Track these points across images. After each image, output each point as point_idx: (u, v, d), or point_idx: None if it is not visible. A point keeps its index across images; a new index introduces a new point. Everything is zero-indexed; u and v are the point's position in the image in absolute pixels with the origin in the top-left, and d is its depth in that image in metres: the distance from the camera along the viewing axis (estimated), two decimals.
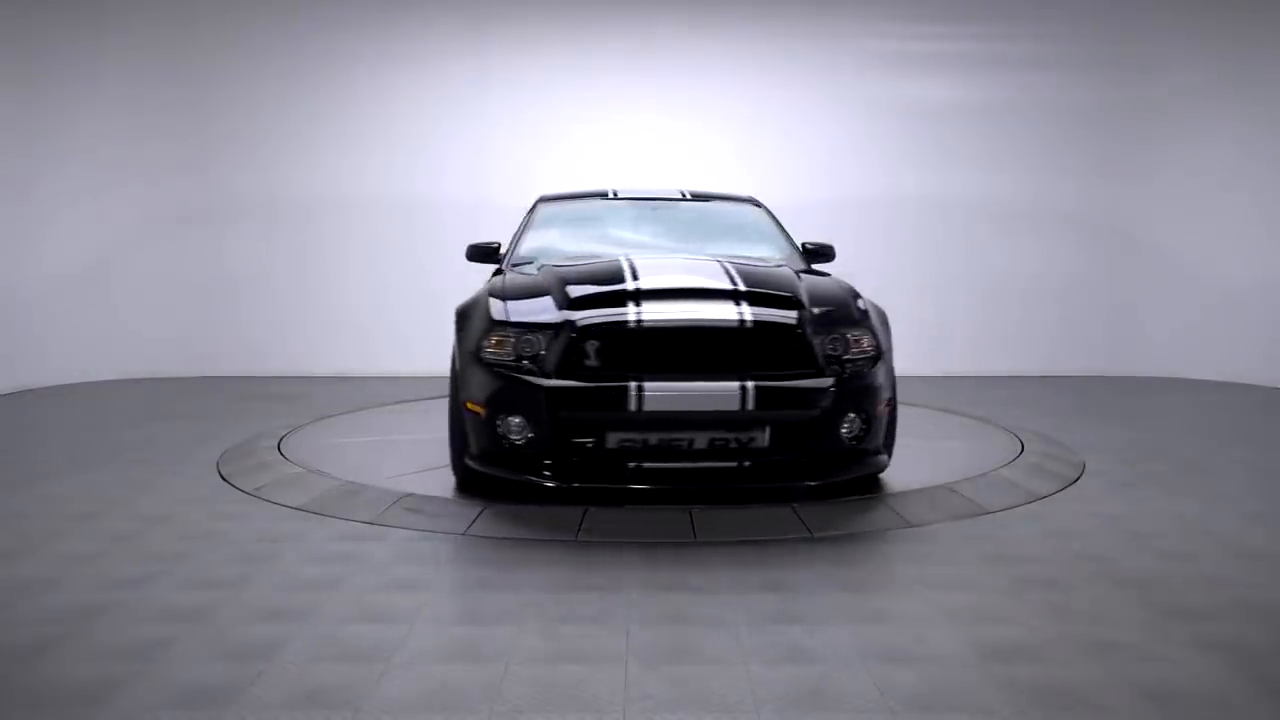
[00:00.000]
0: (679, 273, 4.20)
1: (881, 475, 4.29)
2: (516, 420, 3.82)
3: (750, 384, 3.66)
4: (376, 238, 8.47)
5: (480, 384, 3.92)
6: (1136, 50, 8.46)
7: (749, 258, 4.74)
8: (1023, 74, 8.52)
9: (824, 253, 5.22)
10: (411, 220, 8.45)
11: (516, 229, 5.49)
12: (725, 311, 3.79)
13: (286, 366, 8.34)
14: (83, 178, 8.13)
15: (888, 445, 4.20)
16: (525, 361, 3.82)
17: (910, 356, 8.29)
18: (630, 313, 3.79)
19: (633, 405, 3.64)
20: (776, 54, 8.51)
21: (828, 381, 3.78)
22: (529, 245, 5.14)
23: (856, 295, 4.26)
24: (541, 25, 8.45)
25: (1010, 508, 4.03)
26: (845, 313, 4.04)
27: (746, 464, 3.78)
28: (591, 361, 3.76)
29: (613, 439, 3.75)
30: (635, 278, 4.07)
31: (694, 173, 7.91)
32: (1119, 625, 2.75)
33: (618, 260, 4.36)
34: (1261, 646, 2.61)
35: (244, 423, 5.92)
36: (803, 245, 5.26)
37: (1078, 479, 4.57)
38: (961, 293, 8.62)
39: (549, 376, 3.75)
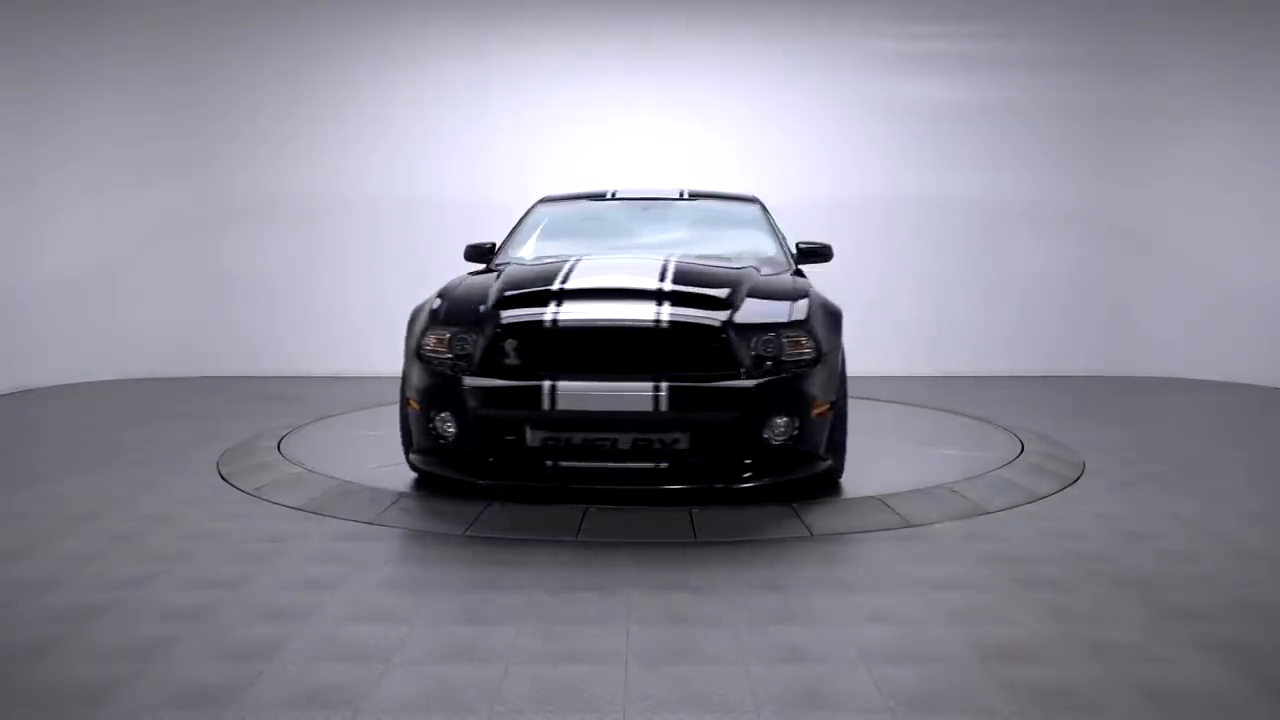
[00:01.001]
0: (615, 273, 4.25)
1: (845, 477, 4.27)
2: (444, 416, 3.91)
3: (664, 385, 3.65)
4: (376, 238, 8.47)
5: (418, 381, 4.04)
6: (1136, 50, 8.46)
7: (717, 257, 4.73)
8: (1022, 74, 8.52)
9: (820, 252, 5.17)
10: (411, 220, 8.45)
11: (509, 230, 5.57)
12: (643, 312, 3.79)
13: (286, 366, 8.34)
14: (82, 178, 8.13)
15: (834, 449, 4.08)
16: (458, 360, 3.91)
17: (910, 356, 8.34)
18: (548, 313, 3.84)
19: (546, 404, 3.69)
20: (775, 54, 8.51)
21: (748, 383, 3.71)
22: (516, 246, 5.26)
23: (802, 296, 4.16)
24: (541, 25, 8.45)
25: (1010, 508, 4.03)
26: (783, 314, 3.96)
27: (664, 465, 3.74)
28: (511, 360, 3.84)
29: (536, 437, 3.78)
30: (567, 278, 4.10)
31: (695, 172, 7.91)
32: (1119, 625, 2.75)
33: (563, 260, 4.42)
34: (1261, 646, 2.61)
35: (244, 423, 5.92)
36: (797, 245, 5.20)
37: (1078, 479, 4.57)
38: (961, 293, 8.62)
39: (474, 374, 3.83)
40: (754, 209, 5.53)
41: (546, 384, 3.69)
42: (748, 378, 3.73)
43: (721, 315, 3.82)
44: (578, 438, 3.75)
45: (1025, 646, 2.60)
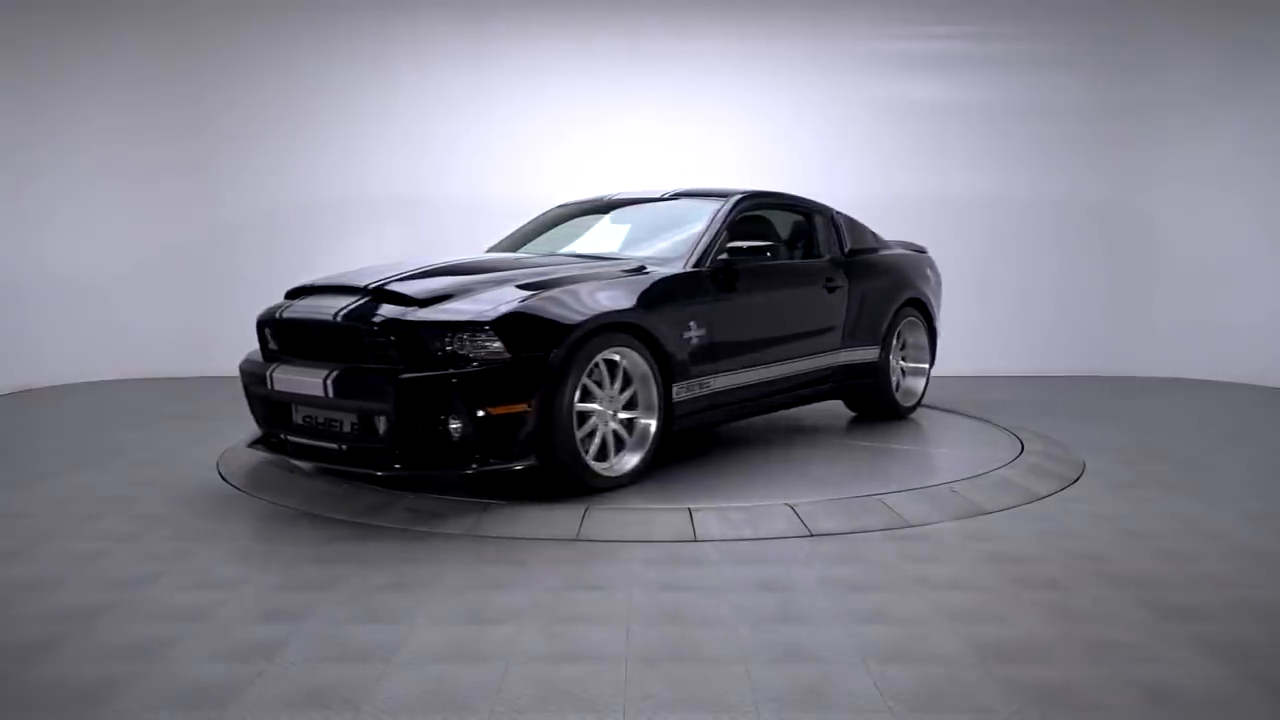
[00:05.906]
0: (372, 275, 4.44)
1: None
2: (245, 393, 4.49)
3: (333, 374, 3.92)
4: (377, 238, 8.48)
5: None
6: (1136, 50, 8.46)
7: (603, 255, 4.95)
8: (1023, 74, 8.52)
9: (757, 255, 4.88)
10: (412, 220, 8.46)
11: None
12: (333, 307, 4.09)
13: None
14: (83, 178, 8.14)
15: (543, 448, 3.89)
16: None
17: None
18: (281, 306, 4.36)
19: (269, 385, 4.19)
20: (776, 54, 8.52)
21: (396, 377, 3.75)
22: (495, 250, 5.60)
23: (526, 298, 3.99)
24: (541, 26, 8.45)
25: (1010, 508, 4.03)
26: (469, 315, 3.87)
27: (343, 447, 3.97)
28: (271, 346, 4.38)
29: (299, 414, 4.16)
30: (337, 276, 4.56)
31: (697, 173, 7.92)
32: (1119, 625, 2.75)
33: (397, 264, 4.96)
34: (1261, 646, 2.61)
35: (244, 423, 5.89)
36: (727, 247, 4.85)
37: (1078, 479, 4.57)
38: (960, 293, 8.61)
39: (253, 358, 4.45)
40: (713, 205, 5.14)
41: (271, 368, 4.20)
42: (416, 371, 3.79)
43: (394, 312, 3.92)
44: (320, 416, 4.07)
45: (1025, 646, 2.60)
